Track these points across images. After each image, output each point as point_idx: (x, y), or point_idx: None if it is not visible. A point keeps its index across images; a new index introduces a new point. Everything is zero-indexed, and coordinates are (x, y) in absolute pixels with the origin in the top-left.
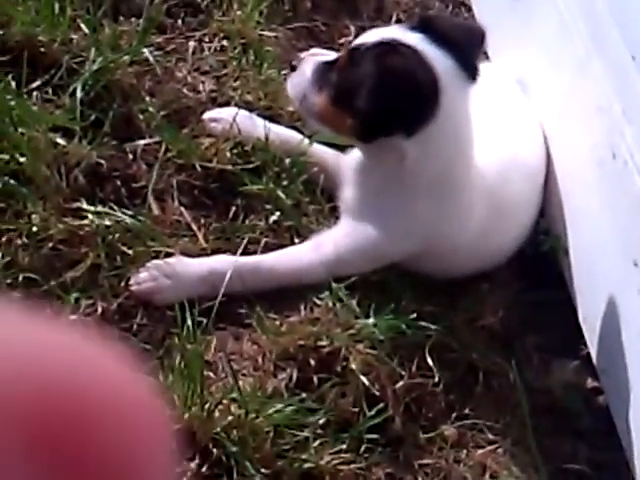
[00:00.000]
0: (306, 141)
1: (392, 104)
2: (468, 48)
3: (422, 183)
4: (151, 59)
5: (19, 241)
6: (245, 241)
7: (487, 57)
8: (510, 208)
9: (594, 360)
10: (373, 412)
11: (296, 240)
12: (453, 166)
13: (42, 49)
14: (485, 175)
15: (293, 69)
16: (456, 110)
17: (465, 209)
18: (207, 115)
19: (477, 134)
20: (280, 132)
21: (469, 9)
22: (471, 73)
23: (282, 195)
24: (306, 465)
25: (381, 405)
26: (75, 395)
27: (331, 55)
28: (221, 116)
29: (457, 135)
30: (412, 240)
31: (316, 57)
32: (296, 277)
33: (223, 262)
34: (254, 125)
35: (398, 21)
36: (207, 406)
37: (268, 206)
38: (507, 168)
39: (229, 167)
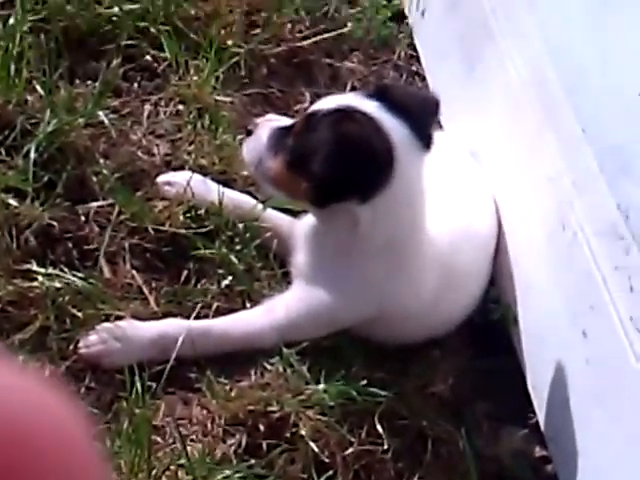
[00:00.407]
0: (260, 206)
1: (347, 171)
2: (423, 117)
3: (374, 248)
4: (106, 122)
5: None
6: (197, 305)
7: (440, 126)
8: (461, 277)
9: (542, 428)
10: (322, 479)
11: (248, 305)
12: (405, 232)
13: None
14: (437, 244)
15: (249, 134)
16: (410, 178)
17: (417, 276)
18: (161, 178)
19: (430, 203)
20: (234, 197)
21: (423, 78)
22: (426, 142)
23: (234, 260)
24: None
25: (330, 472)
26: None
27: (286, 121)
28: (175, 180)
29: (410, 202)
30: (364, 306)
31: (272, 122)
32: (247, 342)
33: (174, 326)
34: (208, 189)
35: (353, 89)
36: (154, 472)
37: (220, 270)
38: (459, 238)
39: (182, 231)
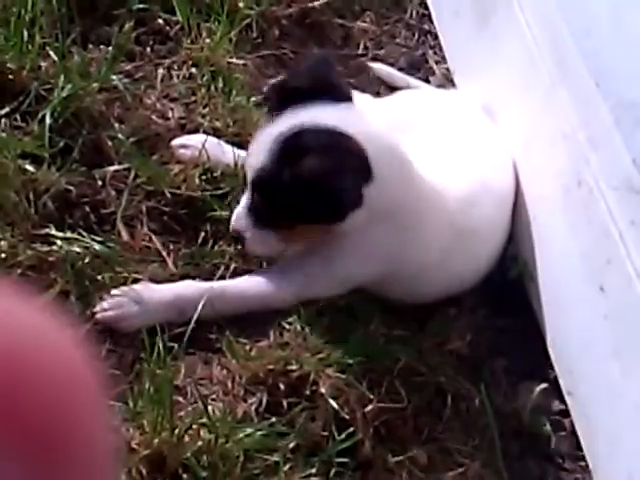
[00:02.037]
0: None
1: (342, 192)
2: (327, 80)
3: (380, 213)
4: (120, 86)
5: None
6: (215, 267)
7: (453, 84)
8: (477, 233)
9: (561, 383)
10: (343, 436)
11: (264, 265)
12: (408, 195)
13: (10, 76)
14: (449, 202)
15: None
16: (384, 147)
17: (426, 235)
18: (176, 142)
19: (444, 160)
20: None
21: (435, 37)
22: (344, 96)
23: None
24: None
25: (350, 429)
26: (11, 356)
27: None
28: (189, 142)
29: (397, 170)
30: (375, 264)
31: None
32: (264, 302)
33: (190, 288)
34: (222, 151)
35: (365, 49)
36: (177, 431)
37: None
38: (475, 195)
39: (198, 193)
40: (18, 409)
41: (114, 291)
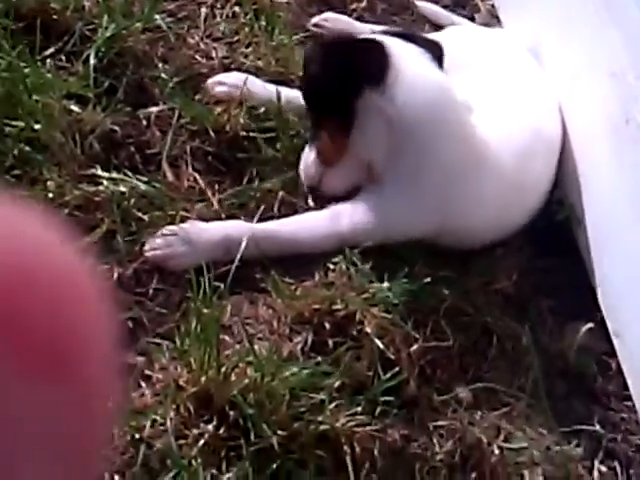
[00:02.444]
0: None
1: (342, 62)
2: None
3: (431, 163)
4: (163, 26)
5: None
6: (260, 206)
7: (499, 21)
8: (527, 183)
9: (607, 324)
10: (388, 375)
11: (310, 203)
12: (445, 122)
13: (55, 16)
14: (504, 154)
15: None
16: (419, 70)
17: (479, 187)
18: (212, 80)
19: (495, 108)
20: (292, 96)
21: None
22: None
23: (297, 159)
24: (322, 427)
25: (396, 368)
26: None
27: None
28: (227, 80)
29: (430, 87)
30: (427, 221)
31: None
32: (311, 246)
33: (238, 228)
34: (263, 88)
35: None
36: (223, 370)
37: (284, 166)
38: (528, 145)
39: (242, 133)
40: (16, 312)
41: (164, 230)
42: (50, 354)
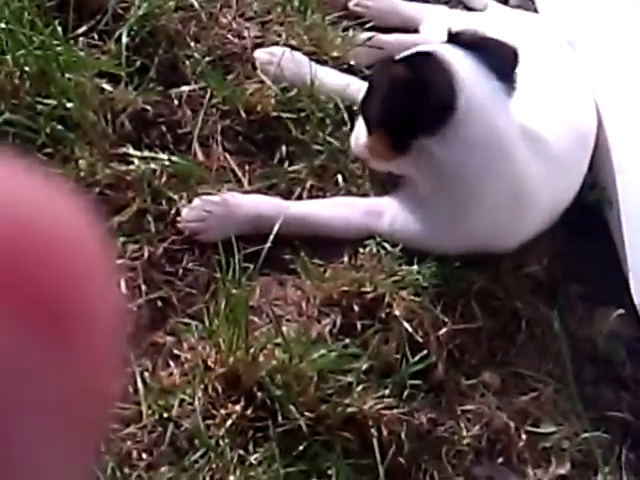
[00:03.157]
0: (356, 85)
1: (406, 103)
2: (503, 63)
3: (471, 192)
4: (196, 5)
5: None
6: (291, 187)
7: (533, 3)
8: (568, 177)
9: (638, 309)
10: (416, 358)
11: (341, 183)
12: (490, 171)
13: None
14: (546, 156)
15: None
16: (482, 113)
17: (519, 218)
18: (261, 54)
19: (529, 95)
20: (326, 75)
21: None
22: (509, 84)
23: (328, 139)
24: (349, 409)
25: (424, 352)
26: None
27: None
28: (274, 58)
29: (486, 139)
30: (464, 245)
31: None
32: (342, 233)
33: (273, 206)
34: (300, 67)
35: None
36: (252, 351)
37: (314, 148)
38: (568, 141)
39: (274, 113)
40: (17, 272)
41: (200, 198)
42: (51, 309)
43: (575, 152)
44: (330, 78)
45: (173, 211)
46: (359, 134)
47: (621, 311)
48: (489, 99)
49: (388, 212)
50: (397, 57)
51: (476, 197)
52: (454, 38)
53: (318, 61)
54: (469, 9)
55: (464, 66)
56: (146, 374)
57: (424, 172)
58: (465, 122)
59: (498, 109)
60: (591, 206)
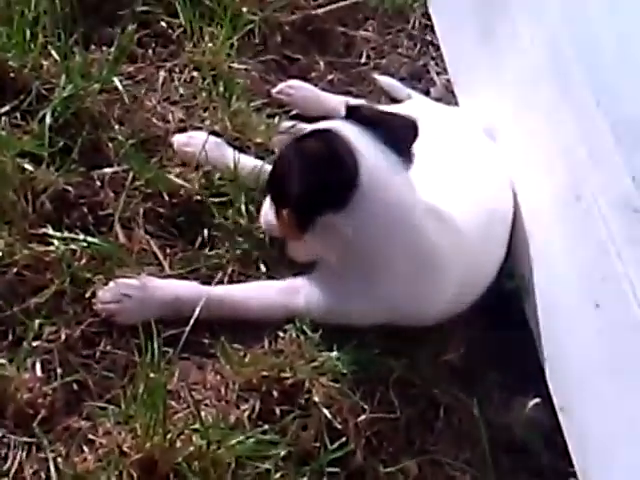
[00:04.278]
0: None
1: (310, 181)
2: (400, 135)
3: (378, 262)
4: (121, 88)
5: None
6: (212, 271)
7: (454, 96)
8: (482, 263)
9: (554, 399)
10: (335, 445)
11: (263, 269)
12: (394, 241)
13: (12, 74)
14: (456, 239)
15: None
16: (385, 187)
17: (436, 282)
18: (179, 139)
19: (443, 177)
20: (248, 163)
21: (437, 48)
22: (406, 158)
23: (249, 226)
24: None
25: (343, 439)
26: None
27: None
28: (193, 141)
29: (392, 212)
30: (379, 315)
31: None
32: (261, 315)
33: (191, 289)
34: (223, 153)
35: (367, 58)
36: (169, 436)
37: (235, 237)
38: (480, 224)
39: (197, 197)
40: None
41: (117, 281)
42: None
43: (491, 231)
44: (249, 162)
45: (91, 293)
46: (268, 212)
47: (538, 400)
48: (388, 173)
49: (303, 289)
50: (298, 136)
51: (383, 266)
52: (352, 113)
53: (241, 148)
54: (393, 100)
55: (362, 142)
56: (59, 460)
57: (332, 247)
58: (367, 196)
59: (397, 183)
60: (509, 294)
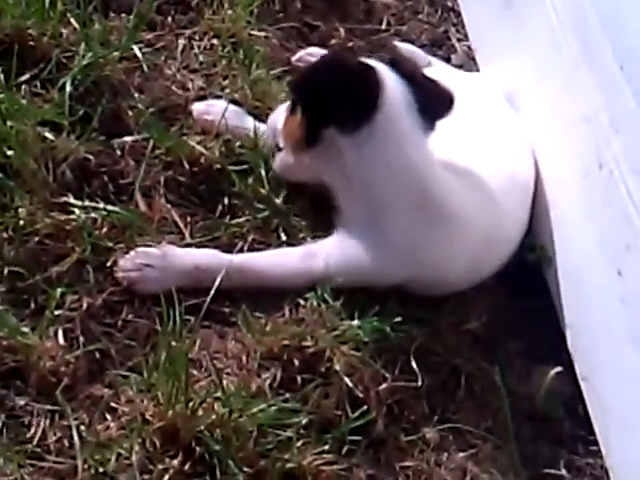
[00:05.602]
0: None
1: (329, 91)
2: (433, 104)
3: (392, 205)
4: (140, 56)
5: (5, 235)
6: (231, 239)
7: (475, 63)
8: (502, 229)
9: (575, 367)
10: (356, 414)
11: (283, 237)
12: (396, 181)
13: (32, 43)
14: (475, 198)
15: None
16: (399, 129)
17: (453, 236)
18: (198, 107)
19: (467, 150)
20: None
21: (458, 15)
22: (428, 125)
23: (270, 194)
24: (288, 465)
25: (364, 407)
26: None
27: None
28: (212, 109)
29: (396, 153)
30: (397, 272)
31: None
32: (283, 282)
33: (212, 258)
34: (243, 121)
35: (388, 24)
36: (191, 404)
37: (256, 204)
38: (499, 188)
39: (217, 165)
40: None
41: (138, 250)
42: None
43: (513, 194)
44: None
45: (112, 262)
46: (276, 119)
47: (559, 368)
48: (405, 123)
49: (322, 252)
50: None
51: (389, 211)
52: (394, 64)
53: (260, 116)
54: None
55: (393, 86)
56: (82, 427)
57: (332, 169)
58: (377, 133)
59: (411, 134)
60: (531, 266)
